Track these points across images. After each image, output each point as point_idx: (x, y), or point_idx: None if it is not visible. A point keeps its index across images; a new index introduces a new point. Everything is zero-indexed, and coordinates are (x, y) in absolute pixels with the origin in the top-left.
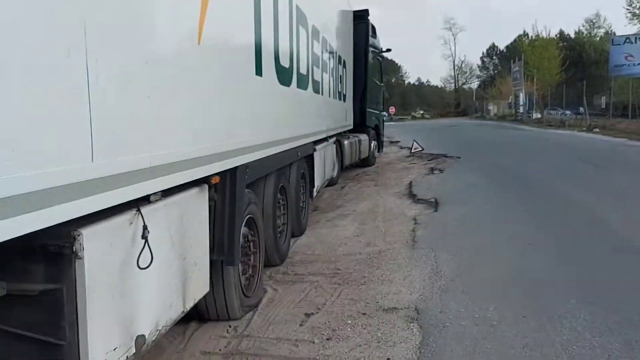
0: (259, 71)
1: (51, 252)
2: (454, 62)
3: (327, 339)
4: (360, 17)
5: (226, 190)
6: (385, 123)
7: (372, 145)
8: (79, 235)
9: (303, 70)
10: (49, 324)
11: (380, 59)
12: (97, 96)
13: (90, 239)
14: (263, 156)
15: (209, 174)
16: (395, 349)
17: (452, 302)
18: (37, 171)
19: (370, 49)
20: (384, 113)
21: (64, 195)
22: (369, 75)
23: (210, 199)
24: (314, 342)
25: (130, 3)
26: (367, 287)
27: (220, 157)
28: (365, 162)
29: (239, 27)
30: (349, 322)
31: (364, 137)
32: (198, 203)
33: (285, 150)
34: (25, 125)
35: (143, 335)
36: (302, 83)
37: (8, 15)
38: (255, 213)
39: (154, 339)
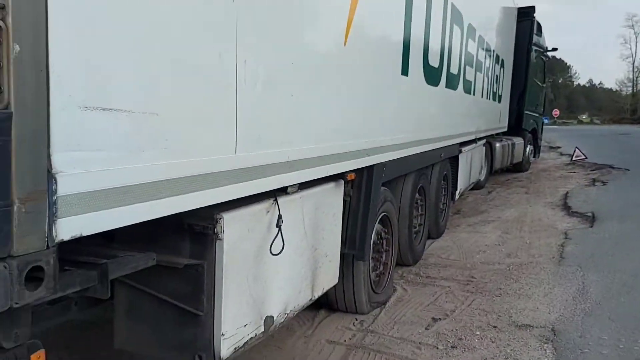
0: (405, 71)
1: (196, 232)
2: (633, 63)
3: (452, 347)
4: (525, 14)
5: (362, 187)
6: (546, 126)
7: (527, 149)
8: (220, 218)
9: (454, 70)
10: (190, 294)
11: (544, 58)
12: (244, 94)
13: (230, 223)
14: (402, 156)
15: (345, 170)
16: None
17: (596, 327)
18: (188, 159)
19: (534, 47)
20: (545, 117)
21: (210, 182)
22: (530, 75)
23: (345, 194)
24: (437, 348)
25: (281, 10)
26: (502, 300)
27: (356, 155)
28: (518, 167)
29: (386, 28)
30: (477, 333)
31: (518, 140)
32: (333, 197)
33: (427, 151)
34: (179, 119)
35: (272, 317)
36: (452, 83)
37: (178, 20)
38: (391, 211)
39: (281, 321)
